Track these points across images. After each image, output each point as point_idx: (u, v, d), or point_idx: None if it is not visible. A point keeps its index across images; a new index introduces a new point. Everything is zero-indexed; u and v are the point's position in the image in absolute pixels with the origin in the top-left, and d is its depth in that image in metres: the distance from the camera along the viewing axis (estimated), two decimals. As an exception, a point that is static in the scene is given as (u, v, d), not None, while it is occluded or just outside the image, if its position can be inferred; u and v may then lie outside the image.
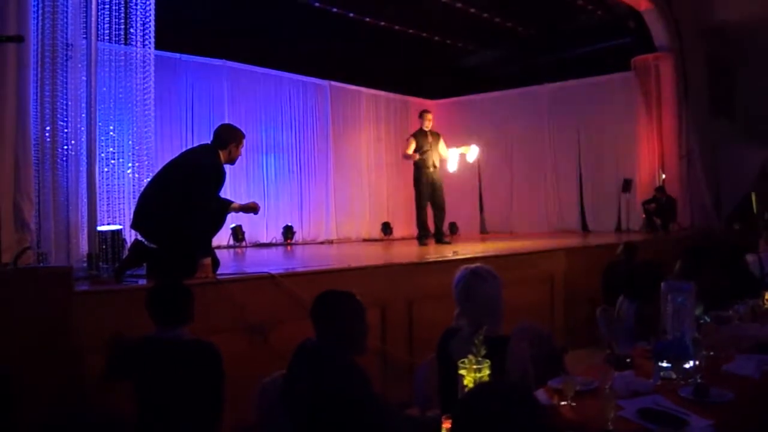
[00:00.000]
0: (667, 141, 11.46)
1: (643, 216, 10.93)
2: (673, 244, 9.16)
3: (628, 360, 2.97)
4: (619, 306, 4.38)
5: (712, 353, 2.99)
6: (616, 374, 2.67)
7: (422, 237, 8.41)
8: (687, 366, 2.72)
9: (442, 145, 8.44)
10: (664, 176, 11.41)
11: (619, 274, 6.04)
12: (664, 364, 2.74)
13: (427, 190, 8.28)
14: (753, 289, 4.46)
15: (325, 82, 11.45)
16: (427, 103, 13.34)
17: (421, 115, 8.61)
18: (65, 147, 4.62)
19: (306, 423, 2.46)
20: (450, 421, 1.93)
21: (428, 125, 8.42)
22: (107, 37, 5.01)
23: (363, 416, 2.37)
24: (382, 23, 11.23)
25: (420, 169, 8.29)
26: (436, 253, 7.09)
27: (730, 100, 13.69)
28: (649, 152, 11.51)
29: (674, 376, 2.71)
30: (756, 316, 3.94)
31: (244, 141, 4.69)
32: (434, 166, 8.30)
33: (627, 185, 11.18)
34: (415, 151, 8.23)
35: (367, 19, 10.96)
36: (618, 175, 11.54)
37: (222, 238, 9.04)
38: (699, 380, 2.64)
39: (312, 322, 2.57)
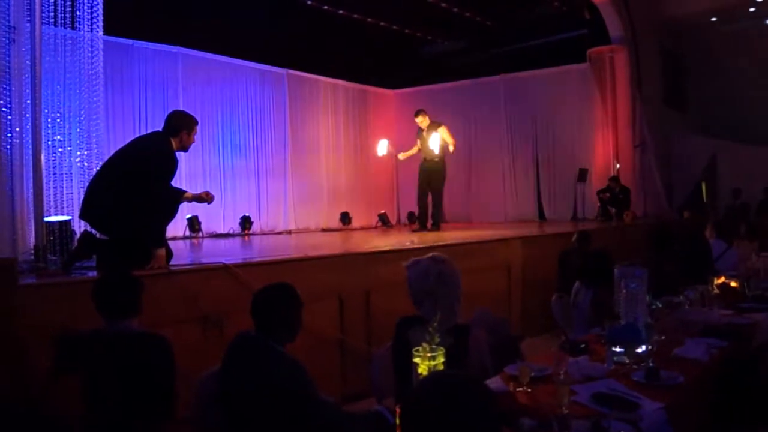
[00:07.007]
0: (621, 131, 11.70)
1: (598, 205, 11.13)
2: (626, 232, 9.35)
3: (582, 346, 3.01)
4: (575, 293, 4.43)
5: (663, 338, 3.05)
6: (571, 360, 2.70)
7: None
8: (639, 351, 2.77)
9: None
10: (618, 166, 11.63)
11: (572, 262, 6.14)
12: (617, 349, 2.79)
13: None
14: (703, 275, 4.56)
15: (283, 71, 11.28)
16: (386, 92, 13.33)
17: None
18: (9, 134, 4.43)
19: (242, 413, 2.44)
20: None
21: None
22: (53, 21, 4.81)
23: (298, 403, 2.37)
24: (341, 12, 11.14)
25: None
26: (397, 241, 7.09)
27: (682, 92, 14.06)
28: (603, 142, 11.73)
29: (627, 360, 2.75)
30: (705, 301, 4.04)
31: (197, 128, 4.56)
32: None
33: (582, 175, 11.36)
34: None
35: (326, 7, 10.86)
36: (574, 165, 11.71)
37: (178, 228, 8.87)
38: (651, 364, 2.69)
39: (252, 315, 2.59)
